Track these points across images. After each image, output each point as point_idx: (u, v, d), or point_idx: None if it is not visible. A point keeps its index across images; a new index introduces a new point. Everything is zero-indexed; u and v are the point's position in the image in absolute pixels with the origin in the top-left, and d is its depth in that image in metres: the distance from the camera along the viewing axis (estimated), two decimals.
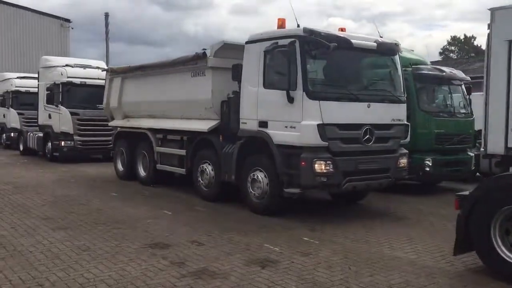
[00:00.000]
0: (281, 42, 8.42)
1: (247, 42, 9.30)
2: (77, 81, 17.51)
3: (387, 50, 9.03)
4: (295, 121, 8.22)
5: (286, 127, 8.39)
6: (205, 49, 10.11)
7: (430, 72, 11.38)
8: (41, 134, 18.99)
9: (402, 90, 9.31)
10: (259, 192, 8.92)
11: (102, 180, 13.32)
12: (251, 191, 9.11)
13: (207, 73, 10.23)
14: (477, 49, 62.70)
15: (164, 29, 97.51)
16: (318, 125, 8.02)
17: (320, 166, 8.05)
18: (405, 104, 9.29)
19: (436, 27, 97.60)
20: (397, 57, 9.30)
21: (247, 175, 9.16)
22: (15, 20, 35.84)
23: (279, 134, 8.51)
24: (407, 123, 9.31)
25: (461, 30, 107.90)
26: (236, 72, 9.43)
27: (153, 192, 11.35)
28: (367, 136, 8.54)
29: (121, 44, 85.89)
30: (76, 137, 17.44)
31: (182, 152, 11.06)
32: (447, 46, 63.38)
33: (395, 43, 9.16)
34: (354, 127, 8.46)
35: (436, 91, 11.90)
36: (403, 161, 9.14)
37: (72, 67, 18.13)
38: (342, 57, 8.53)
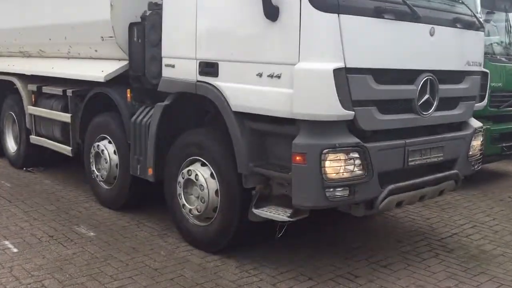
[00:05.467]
0: None
1: None
2: None
3: None
4: (282, 62, 3.66)
5: (259, 75, 3.81)
6: None
7: None
8: None
9: (478, 8, 4.85)
10: (202, 207, 4.40)
11: None
12: (185, 204, 4.57)
13: None
14: None
15: None
16: (335, 70, 3.48)
17: (336, 165, 3.57)
18: (483, 33, 4.86)
19: None
20: None
21: (178, 170, 4.60)
22: None
23: (243, 91, 3.93)
24: (486, 70, 4.92)
25: None
26: None
27: (18, 186, 6.56)
28: (426, 96, 4.11)
29: None
30: None
31: (66, 117, 6.27)
32: None
33: None
34: (405, 77, 3.99)
35: (488, 21, 7.52)
36: (478, 144, 4.80)
37: None
38: None
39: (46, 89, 6.69)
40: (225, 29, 4.09)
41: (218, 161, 4.26)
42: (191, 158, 4.48)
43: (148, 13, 5.05)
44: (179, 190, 4.57)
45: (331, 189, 3.59)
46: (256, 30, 3.80)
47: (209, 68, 4.21)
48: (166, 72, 4.66)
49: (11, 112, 7.65)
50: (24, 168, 7.39)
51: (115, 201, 5.61)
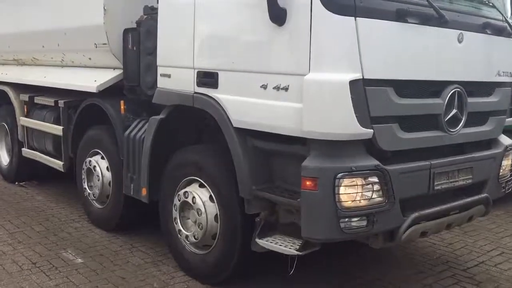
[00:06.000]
0: None
1: None
2: None
3: None
4: (290, 72, 3.20)
5: (263, 87, 3.35)
6: None
7: None
8: None
9: (508, 12, 4.36)
10: (199, 234, 3.93)
11: None
12: (181, 230, 4.10)
13: None
14: None
15: None
16: (352, 82, 3.01)
17: (352, 192, 3.08)
18: None
19: None
20: None
21: (174, 191, 4.14)
22: None
23: (246, 105, 3.47)
24: None
25: None
26: None
27: (7, 202, 6.11)
28: (454, 110, 3.62)
29: None
30: None
31: (58, 129, 5.84)
32: None
33: None
34: (431, 90, 3.51)
35: None
36: (508, 164, 4.30)
37: None
38: None
39: (38, 100, 6.27)
40: (226, 35, 3.63)
41: (217, 182, 3.79)
42: (188, 178, 4.02)
43: (143, 18, 4.63)
44: (175, 213, 4.11)
45: (346, 219, 3.10)
46: (261, 36, 3.34)
47: (207, 78, 3.76)
48: (162, 83, 4.21)
49: (3, 123, 7.25)
50: (17, 182, 6.97)
51: (108, 222, 5.16)
